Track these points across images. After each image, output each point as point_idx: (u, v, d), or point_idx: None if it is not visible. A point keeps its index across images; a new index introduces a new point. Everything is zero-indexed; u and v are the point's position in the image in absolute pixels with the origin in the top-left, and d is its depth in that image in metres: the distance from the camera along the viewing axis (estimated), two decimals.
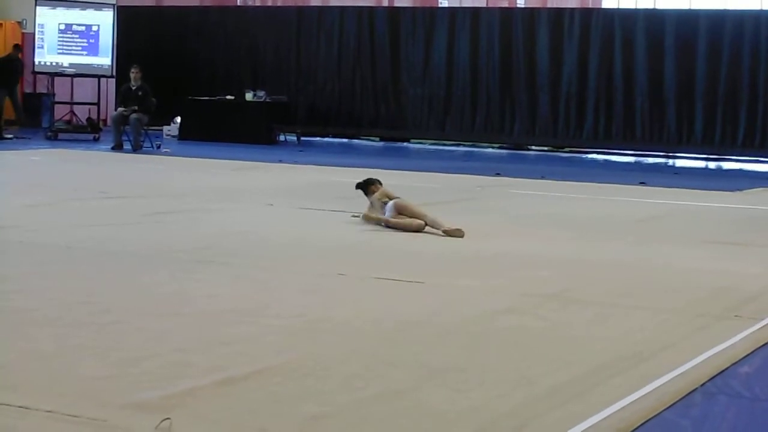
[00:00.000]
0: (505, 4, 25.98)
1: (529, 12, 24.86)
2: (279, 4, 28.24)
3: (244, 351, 5.64)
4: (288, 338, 5.96)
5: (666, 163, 22.70)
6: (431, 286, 7.71)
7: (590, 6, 25.22)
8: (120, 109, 20.99)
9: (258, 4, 29.76)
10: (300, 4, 27.16)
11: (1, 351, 5.47)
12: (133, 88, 20.97)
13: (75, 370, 5.17)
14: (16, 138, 22.11)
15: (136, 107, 20.62)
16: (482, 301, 7.22)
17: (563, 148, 24.50)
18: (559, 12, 24.82)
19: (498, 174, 17.49)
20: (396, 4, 26.27)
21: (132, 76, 21.08)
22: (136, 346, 5.66)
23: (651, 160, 23.15)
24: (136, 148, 20.40)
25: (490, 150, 24.70)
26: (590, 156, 23.87)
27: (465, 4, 25.74)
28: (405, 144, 25.46)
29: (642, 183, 16.64)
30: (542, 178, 16.99)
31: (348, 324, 6.37)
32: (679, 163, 22.69)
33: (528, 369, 5.48)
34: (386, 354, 5.71)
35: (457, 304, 7.10)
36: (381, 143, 25.30)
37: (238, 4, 29.84)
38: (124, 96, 21.25)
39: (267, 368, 5.30)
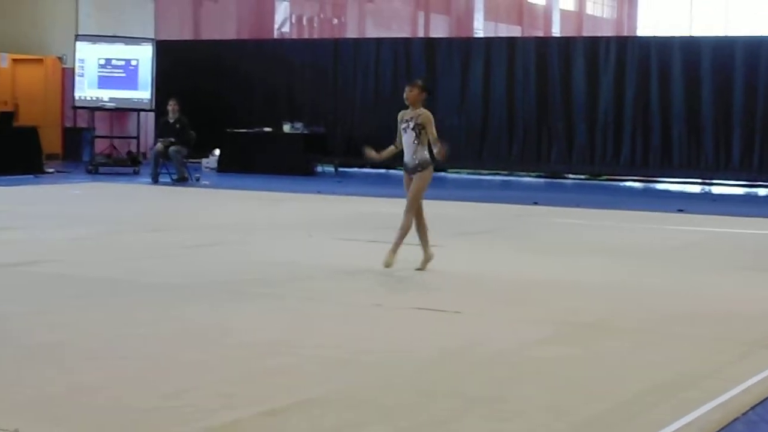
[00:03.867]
0: (541, 34, 26.05)
1: (565, 41, 24.88)
2: (316, 36, 28.45)
3: (285, 382, 5.70)
4: (328, 369, 6.02)
5: (703, 190, 22.63)
6: (469, 315, 7.76)
7: (626, 35, 25.23)
8: (159, 141, 21.18)
9: (295, 36, 30.01)
10: (337, 36, 27.34)
11: (46, 384, 5.56)
12: (171, 121, 21.16)
13: (119, 403, 5.25)
14: (57, 172, 22.35)
15: (173, 139, 20.81)
16: (520, 330, 7.25)
17: (600, 176, 24.46)
18: (594, 41, 24.85)
19: (535, 203, 17.51)
20: (432, 35, 26.42)
21: (169, 109, 21.28)
22: (179, 378, 5.73)
23: (688, 187, 23.08)
24: (182, 180, 20.55)
25: (527, 179, 24.71)
26: (627, 184, 23.83)
27: (500, 34, 25.83)
28: (442, 173, 25.49)
29: (680, 210, 16.61)
30: (579, 206, 16.99)
31: (386, 355, 6.42)
32: (717, 189, 22.61)
33: (566, 398, 5.51)
34: (425, 385, 5.76)
35: (495, 333, 7.14)
36: None
37: (275, 36, 30.12)
38: (162, 129, 21.46)
39: (308, 400, 5.36)
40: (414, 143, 9.72)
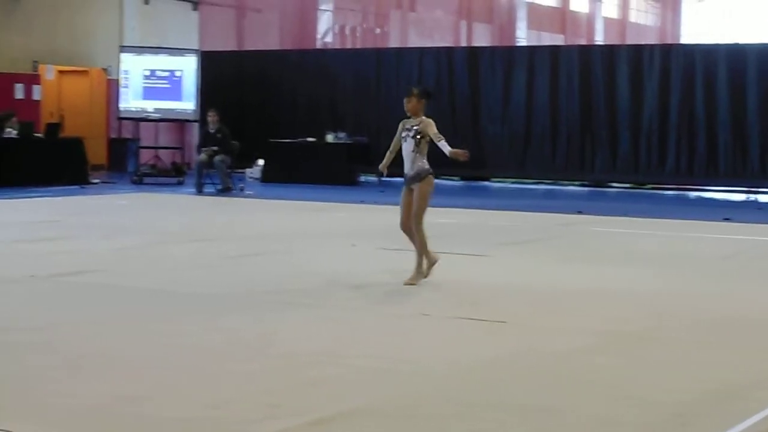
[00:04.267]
0: (584, 42, 25.96)
1: (609, 49, 24.78)
2: (358, 46, 28.49)
3: (331, 392, 5.69)
4: (373, 379, 6.01)
5: (749, 198, 22.42)
6: (514, 325, 7.72)
7: (669, 42, 25.09)
8: (202, 151, 21.28)
9: (337, 46, 30.08)
10: (379, 45, 27.36)
11: (91, 395, 5.57)
12: (212, 131, 21.26)
13: (163, 414, 5.25)
14: (103, 183, 22.51)
15: (216, 148, 20.90)
16: (565, 339, 7.20)
17: (645, 184, 24.31)
18: (638, 48, 24.76)
19: (579, 212, 17.42)
20: (474, 44, 26.39)
21: (209, 119, 21.39)
22: (224, 388, 5.74)
23: (734, 195, 22.89)
24: (227, 190, 20.64)
25: (570, 187, 24.61)
26: (672, 192, 23.67)
27: (543, 43, 25.77)
28: (485, 183, 25.47)
29: (726, 219, 16.47)
30: (624, 215, 16.88)
31: (432, 364, 6.39)
32: (763, 198, 22.40)
33: (612, 408, 5.46)
34: (471, 395, 5.72)
35: (540, 343, 7.09)
36: (461, 182, 25.33)
37: (318, 47, 30.19)
38: (204, 139, 21.59)
39: (353, 410, 5.34)
40: (413, 153, 9.44)
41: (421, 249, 9.59)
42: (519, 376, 6.16)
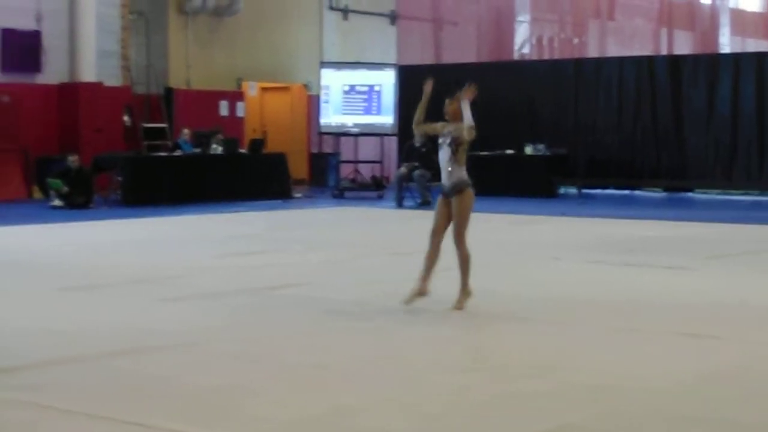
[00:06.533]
0: None
1: None
2: (556, 56, 28.27)
3: (543, 407, 5.63)
4: (588, 394, 5.91)
5: None
6: (728, 341, 7.50)
7: None
8: (403, 165, 21.44)
9: (535, 57, 29.93)
10: (577, 55, 27.10)
11: (309, 405, 5.65)
12: (417, 145, 21.36)
13: (381, 426, 5.29)
14: (304, 197, 22.92)
15: (417, 164, 21.02)
16: None
17: None
18: None
19: None
20: (675, 52, 25.89)
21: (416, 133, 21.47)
22: (436, 400, 5.74)
23: None
24: (426, 204, 20.74)
25: None
26: None
27: (748, 49, 25.07)
28: (689, 194, 24.90)
29: None
30: None
31: (647, 380, 6.26)
32: None
33: None
34: (690, 412, 5.58)
35: (758, 359, 6.87)
36: (663, 194, 24.84)
37: (516, 58, 30.10)
38: (407, 153, 21.71)
39: (566, 425, 5.28)
40: (449, 162, 8.72)
41: (465, 268, 8.84)
42: (740, 393, 5.99)
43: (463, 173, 8.74)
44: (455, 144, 8.72)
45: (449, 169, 8.74)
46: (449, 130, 8.77)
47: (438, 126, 8.94)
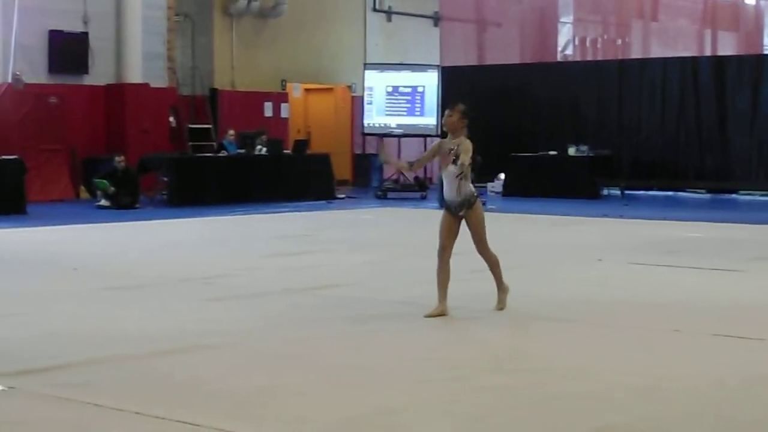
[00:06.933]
0: None
1: None
2: (599, 57, 28.17)
3: (585, 408, 5.66)
4: (628, 396, 5.94)
5: None
6: None
7: None
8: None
9: (578, 58, 29.85)
10: (620, 56, 27.00)
11: (352, 405, 5.72)
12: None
13: (421, 426, 5.34)
14: (348, 198, 23.00)
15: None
16: None
17: None
18: None
19: None
20: (719, 53, 25.73)
21: None
22: (478, 402, 5.78)
23: None
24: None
25: None
26: None
27: None
28: (733, 195, 24.76)
29: None
30: None
31: (689, 382, 6.27)
32: None
33: None
34: (735, 414, 5.59)
35: None
36: (707, 195, 24.72)
37: (559, 59, 30.02)
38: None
39: (608, 426, 5.31)
40: (457, 178, 8.57)
41: (497, 272, 8.83)
42: None
43: (470, 187, 8.67)
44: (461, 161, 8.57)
45: (457, 184, 8.60)
46: (451, 148, 8.60)
47: (434, 146, 8.89)
